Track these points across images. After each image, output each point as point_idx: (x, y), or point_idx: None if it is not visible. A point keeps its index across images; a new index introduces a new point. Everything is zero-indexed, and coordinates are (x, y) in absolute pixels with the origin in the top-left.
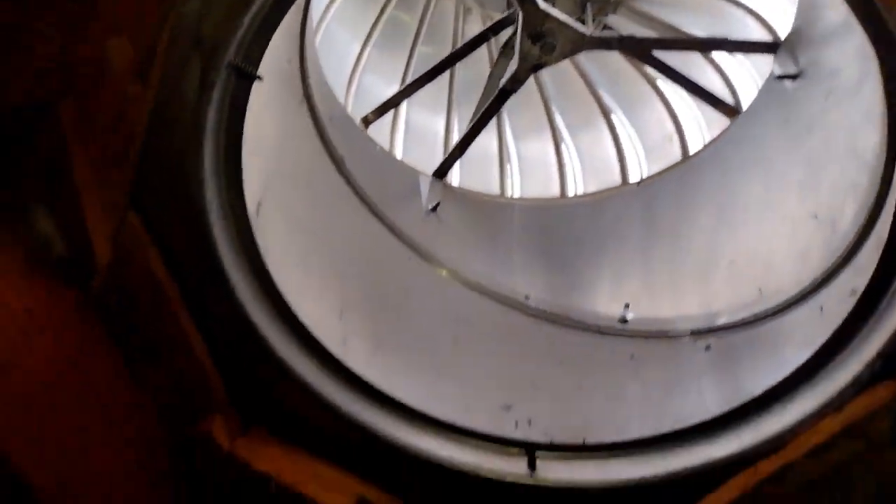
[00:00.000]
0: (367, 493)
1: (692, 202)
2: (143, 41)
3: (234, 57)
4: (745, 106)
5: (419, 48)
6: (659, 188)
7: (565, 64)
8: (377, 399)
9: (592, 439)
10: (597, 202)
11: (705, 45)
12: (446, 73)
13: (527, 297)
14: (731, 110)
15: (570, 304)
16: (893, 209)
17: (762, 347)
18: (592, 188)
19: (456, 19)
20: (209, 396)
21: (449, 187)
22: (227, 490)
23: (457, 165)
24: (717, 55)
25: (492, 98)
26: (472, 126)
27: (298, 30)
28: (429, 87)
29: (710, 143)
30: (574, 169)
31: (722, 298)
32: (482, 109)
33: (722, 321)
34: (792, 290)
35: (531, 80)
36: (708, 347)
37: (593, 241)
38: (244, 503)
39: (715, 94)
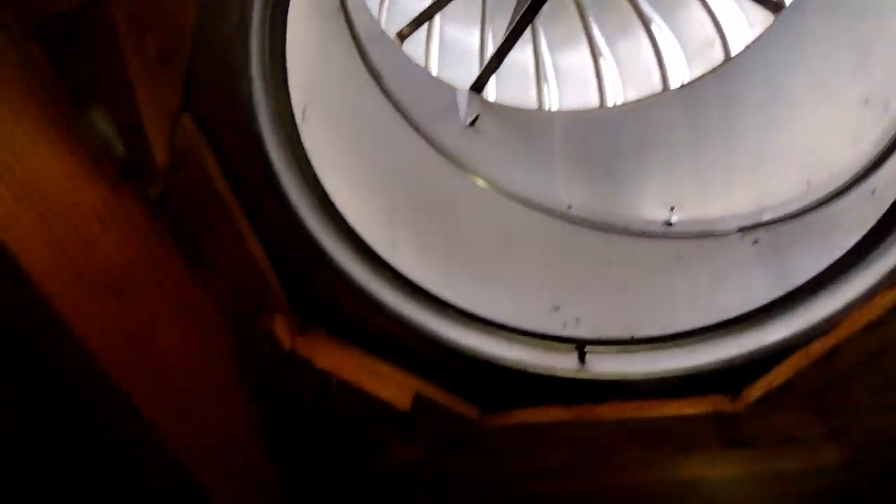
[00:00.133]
0: (423, 389)
1: (737, 101)
2: None
3: None
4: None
5: None
6: (701, 91)
7: None
8: (428, 301)
9: (641, 334)
10: (638, 110)
11: None
12: None
13: (569, 207)
14: (775, 6)
15: (614, 210)
16: None
17: (811, 236)
18: (633, 96)
19: None
20: (268, 298)
21: (487, 103)
22: (290, 387)
23: (493, 82)
24: None
25: (525, 7)
26: (507, 37)
27: None
28: (462, 1)
29: (754, 41)
30: (613, 78)
31: (770, 194)
32: (516, 20)
33: (770, 216)
34: (843, 177)
35: None
36: (756, 242)
37: (635, 148)
38: (307, 400)
39: None
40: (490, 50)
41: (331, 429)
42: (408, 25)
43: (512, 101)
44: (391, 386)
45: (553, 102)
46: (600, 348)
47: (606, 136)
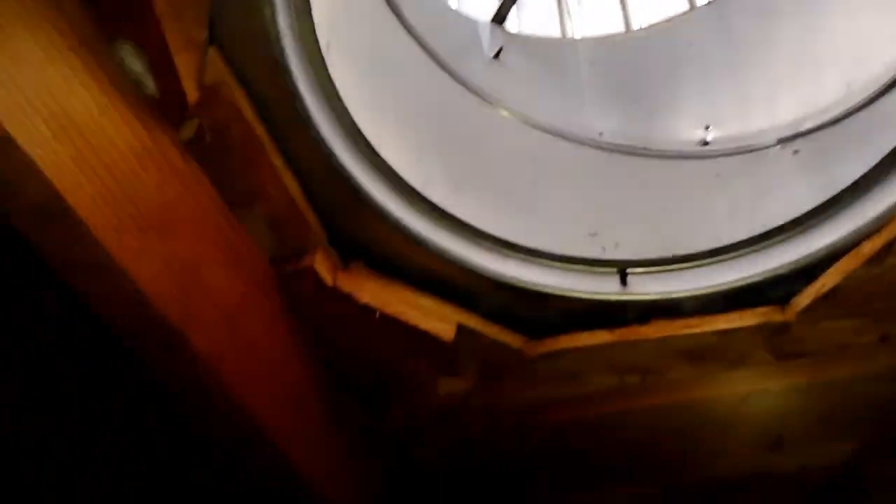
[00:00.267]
0: (466, 320)
1: (769, 11)
2: None
3: None
4: None
5: None
6: (731, 5)
7: None
8: (466, 232)
9: (682, 252)
10: (666, 31)
11: None
12: None
13: (601, 134)
14: None
15: (647, 134)
16: None
17: (853, 140)
18: (658, 18)
19: None
20: (307, 235)
21: (510, 34)
22: (333, 322)
23: (514, 14)
24: None
25: None
26: None
27: None
28: None
29: None
30: (636, 1)
31: (809, 102)
32: None
33: (809, 124)
34: (886, 77)
35: None
36: (796, 152)
37: (665, 70)
38: (350, 334)
39: None
40: None
41: (376, 366)
42: None
43: (535, 32)
44: (434, 318)
45: (577, 30)
46: (642, 269)
47: (635, 60)
